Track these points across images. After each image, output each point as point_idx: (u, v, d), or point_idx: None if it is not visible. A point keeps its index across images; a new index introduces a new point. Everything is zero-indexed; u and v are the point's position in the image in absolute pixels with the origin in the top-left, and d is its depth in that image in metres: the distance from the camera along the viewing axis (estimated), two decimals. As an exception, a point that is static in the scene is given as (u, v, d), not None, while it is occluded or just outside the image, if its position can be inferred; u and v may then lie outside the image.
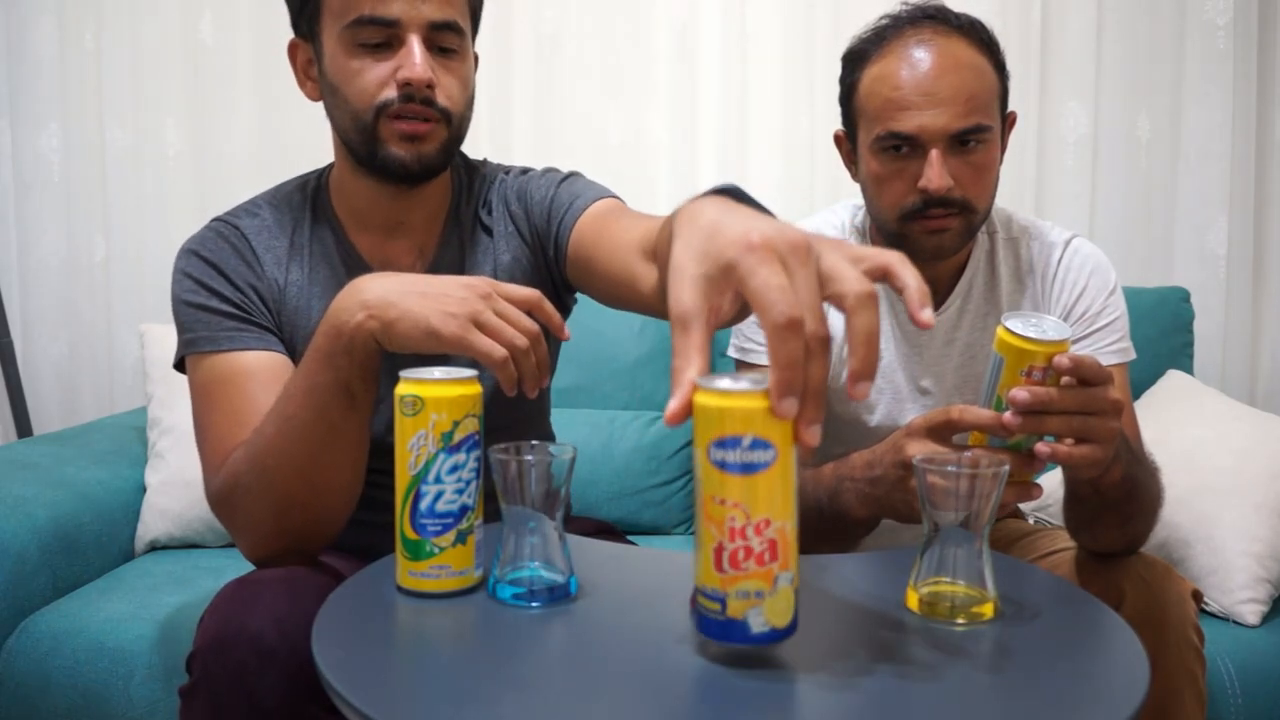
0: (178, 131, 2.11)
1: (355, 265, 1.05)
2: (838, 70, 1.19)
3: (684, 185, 2.09)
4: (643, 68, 2.08)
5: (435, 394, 0.74)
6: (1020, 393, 0.82)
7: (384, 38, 0.96)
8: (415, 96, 0.96)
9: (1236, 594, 1.42)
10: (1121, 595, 0.97)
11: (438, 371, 0.75)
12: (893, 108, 1.08)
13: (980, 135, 1.09)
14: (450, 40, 0.99)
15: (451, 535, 0.75)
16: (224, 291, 1.00)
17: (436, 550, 0.75)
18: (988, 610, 0.74)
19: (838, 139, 1.22)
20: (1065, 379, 0.83)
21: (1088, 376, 0.82)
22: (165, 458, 1.69)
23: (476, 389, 0.76)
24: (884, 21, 1.14)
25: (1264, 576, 1.43)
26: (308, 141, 2.08)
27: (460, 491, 0.75)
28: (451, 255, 1.09)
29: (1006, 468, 0.73)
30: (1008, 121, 1.17)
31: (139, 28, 2.08)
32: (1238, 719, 1.33)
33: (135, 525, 1.67)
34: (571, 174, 1.12)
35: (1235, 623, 1.43)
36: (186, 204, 2.11)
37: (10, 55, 2.08)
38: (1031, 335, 0.83)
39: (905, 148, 1.09)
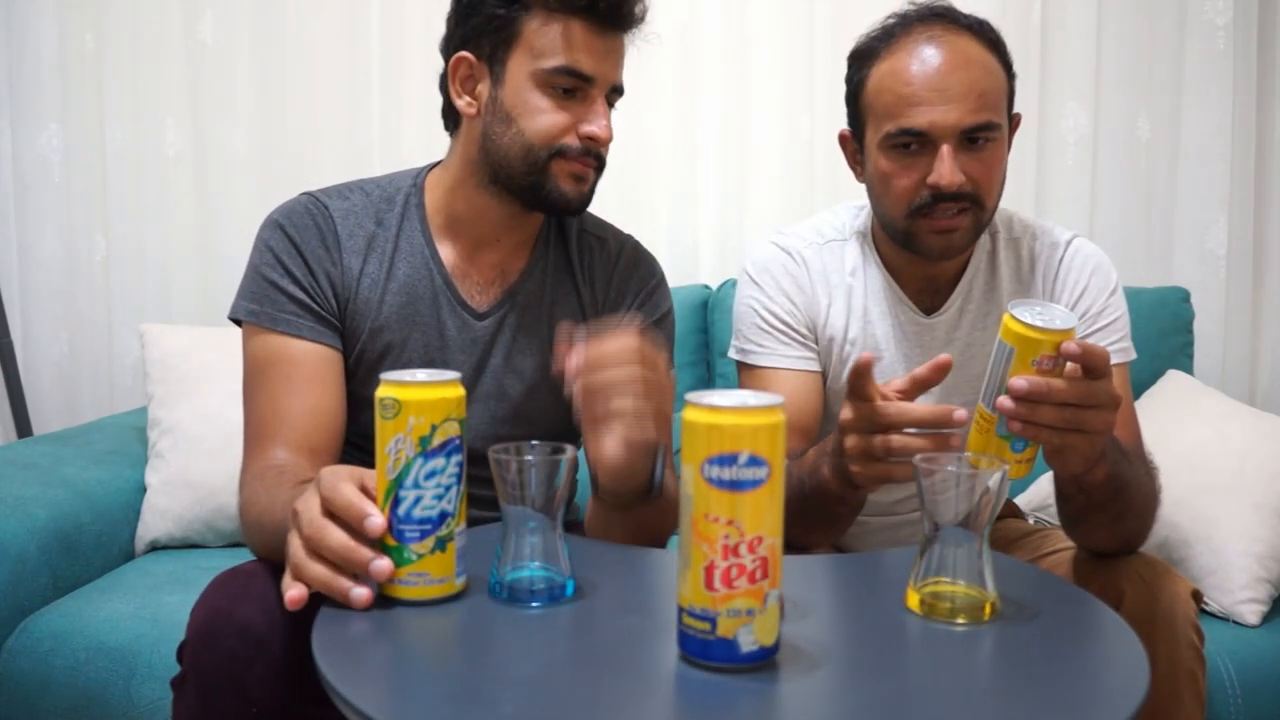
0: (178, 131, 2.11)
1: (435, 272, 1.09)
2: (838, 70, 1.18)
3: (684, 185, 2.09)
4: (643, 68, 2.07)
5: (413, 397, 0.73)
6: (1019, 381, 0.81)
7: (575, 86, 1.04)
8: (592, 151, 1.06)
9: (1236, 594, 1.42)
10: (1120, 595, 0.97)
11: (421, 374, 0.75)
12: (904, 104, 1.08)
13: (990, 133, 1.08)
14: (615, 99, 1.10)
15: (430, 542, 0.74)
16: (297, 274, 1.05)
17: (414, 557, 0.73)
18: (988, 610, 0.74)
19: (843, 139, 1.21)
20: (1069, 366, 0.82)
21: (1096, 366, 0.82)
22: (165, 458, 1.69)
23: (458, 392, 0.75)
24: (892, 20, 1.13)
25: (1264, 576, 1.43)
26: (308, 141, 2.09)
27: (439, 497, 0.74)
28: (532, 288, 1.13)
29: (1008, 468, 0.74)
30: (1013, 123, 1.17)
31: (139, 28, 2.08)
32: (1238, 719, 1.33)
33: (135, 525, 1.66)
34: (667, 314, 1.19)
35: (1235, 623, 1.43)
36: (186, 204, 2.11)
37: (10, 55, 2.08)
38: (1042, 325, 0.82)
39: (915, 144, 1.08)
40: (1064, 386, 0.81)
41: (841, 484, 0.95)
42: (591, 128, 1.04)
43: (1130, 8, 2.05)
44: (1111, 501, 0.95)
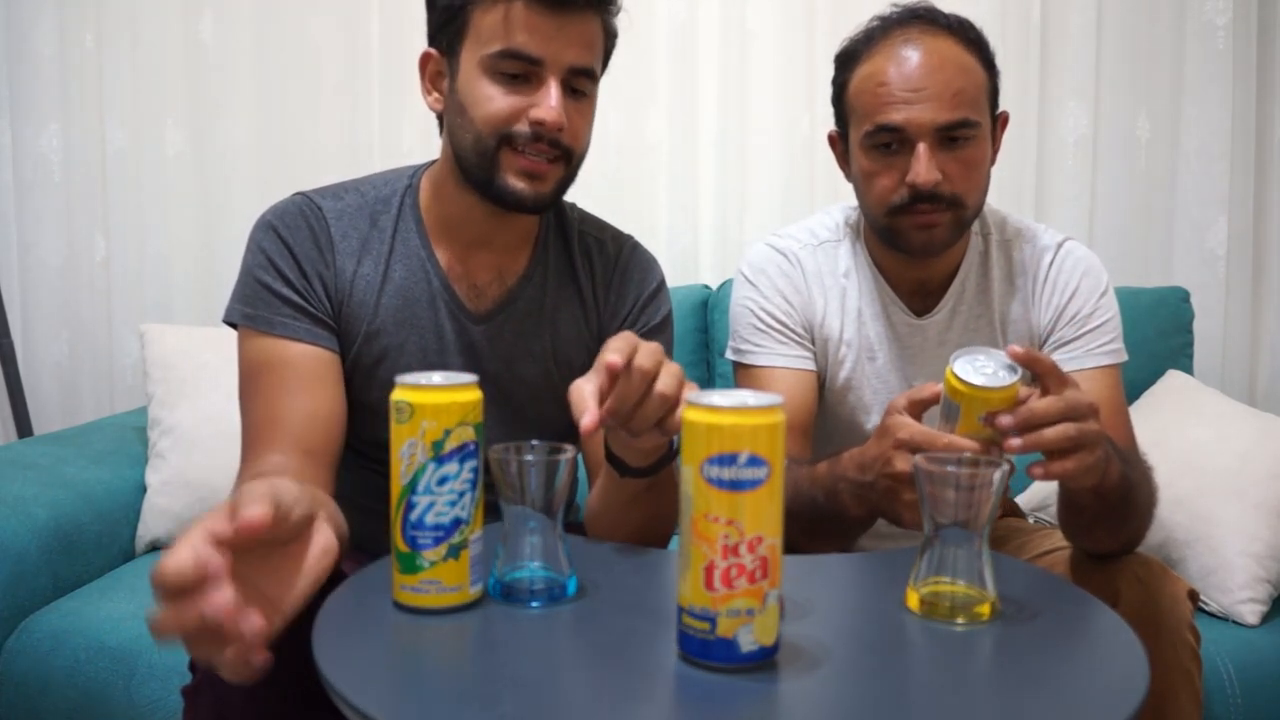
0: (178, 131, 2.11)
1: (432, 274, 1.08)
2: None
3: (684, 185, 2.09)
4: (643, 68, 2.08)
5: (425, 400, 0.71)
6: (1004, 418, 0.82)
7: (524, 71, 0.99)
8: (544, 136, 0.99)
9: (1236, 594, 1.43)
10: (1117, 595, 0.97)
11: (437, 376, 0.73)
12: (881, 103, 1.10)
13: (968, 130, 1.09)
14: (584, 84, 1.03)
15: (443, 549, 0.72)
16: (290, 276, 1.03)
17: (426, 564, 0.72)
18: (987, 610, 0.74)
19: (831, 140, 1.23)
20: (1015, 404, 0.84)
21: (1054, 384, 0.84)
22: (165, 458, 1.69)
23: (473, 395, 0.73)
24: (873, 23, 1.16)
25: (1264, 576, 1.43)
26: (308, 141, 2.09)
27: (452, 504, 0.72)
28: (533, 292, 1.11)
29: (1007, 467, 0.74)
30: (999, 121, 1.17)
31: (139, 28, 2.08)
32: (1237, 719, 1.33)
33: (135, 525, 1.67)
34: (668, 317, 1.17)
35: (1235, 623, 1.43)
36: (186, 204, 2.12)
37: (10, 55, 2.08)
38: (984, 384, 0.83)
39: (894, 143, 1.10)
40: (1045, 407, 0.82)
41: (866, 512, 0.96)
42: (539, 111, 0.98)
43: (1130, 8, 2.05)
44: (1123, 504, 0.95)
